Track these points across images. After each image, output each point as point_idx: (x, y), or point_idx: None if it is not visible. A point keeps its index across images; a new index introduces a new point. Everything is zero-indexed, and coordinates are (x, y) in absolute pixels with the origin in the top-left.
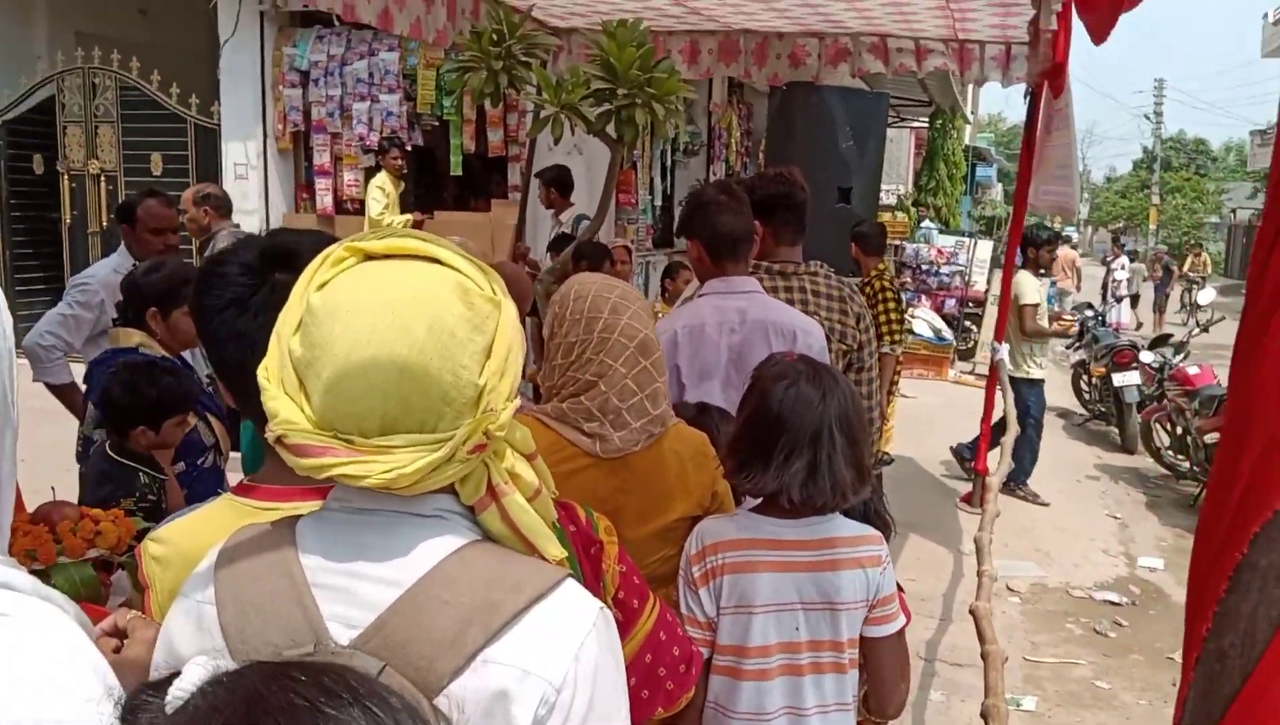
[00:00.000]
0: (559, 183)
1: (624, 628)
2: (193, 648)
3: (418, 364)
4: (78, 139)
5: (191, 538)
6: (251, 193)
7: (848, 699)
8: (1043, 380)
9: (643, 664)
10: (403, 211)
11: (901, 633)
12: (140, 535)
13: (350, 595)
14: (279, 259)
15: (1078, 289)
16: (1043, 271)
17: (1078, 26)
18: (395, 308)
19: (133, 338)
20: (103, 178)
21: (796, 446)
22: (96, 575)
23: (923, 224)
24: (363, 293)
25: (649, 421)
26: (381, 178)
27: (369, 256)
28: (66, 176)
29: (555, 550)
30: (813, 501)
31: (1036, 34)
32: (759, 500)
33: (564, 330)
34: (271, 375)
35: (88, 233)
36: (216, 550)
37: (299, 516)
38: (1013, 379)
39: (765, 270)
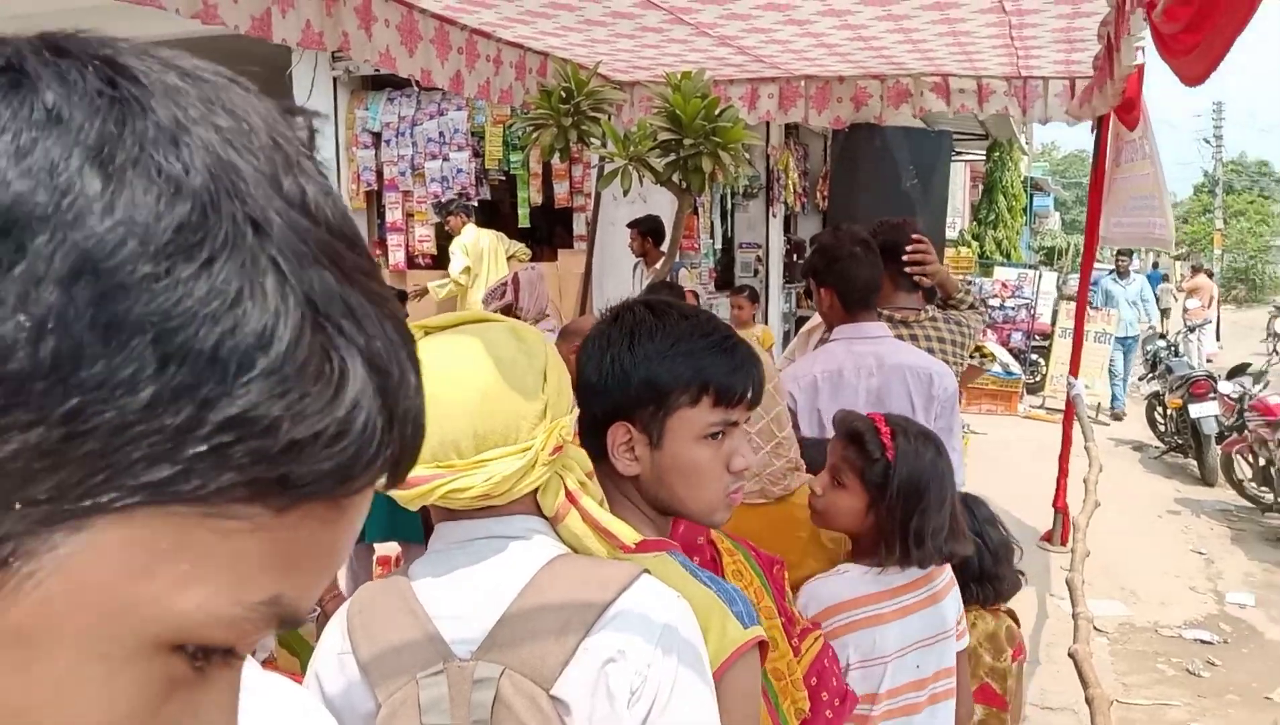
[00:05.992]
0: (655, 233)
1: (795, 647)
2: (337, 687)
3: (495, 386)
4: None
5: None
6: None
7: (953, 722)
8: None
9: (809, 686)
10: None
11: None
12: None
13: (465, 620)
14: None
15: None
16: None
17: (1153, 64)
18: (470, 351)
19: None
20: None
21: (942, 505)
22: None
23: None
24: (439, 349)
25: (770, 475)
26: (470, 235)
27: (428, 332)
28: None
29: (631, 535)
30: (954, 556)
31: (1110, 67)
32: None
33: None
34: None
35: None
36: (344, 608)
37: (409, 565)
38: None
39: (887, 319)
